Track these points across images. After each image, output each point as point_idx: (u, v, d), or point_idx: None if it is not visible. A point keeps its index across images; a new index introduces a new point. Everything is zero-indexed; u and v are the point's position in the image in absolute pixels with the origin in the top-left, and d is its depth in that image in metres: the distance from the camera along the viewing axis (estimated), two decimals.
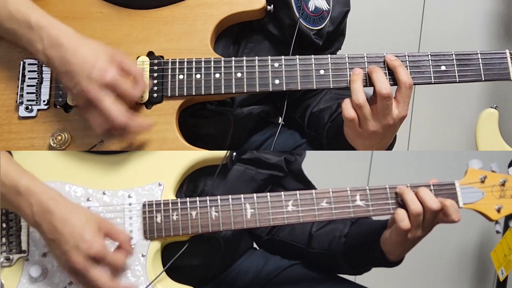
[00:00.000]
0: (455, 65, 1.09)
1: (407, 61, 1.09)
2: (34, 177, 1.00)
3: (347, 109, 1.04)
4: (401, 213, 1.05)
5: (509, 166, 1.15)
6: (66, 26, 1.02)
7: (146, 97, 1.07)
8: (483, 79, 1.10)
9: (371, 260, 1.15)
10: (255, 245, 1.37)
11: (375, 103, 1.04)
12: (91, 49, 1.00)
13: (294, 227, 1.24)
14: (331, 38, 1.25)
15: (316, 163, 1.41)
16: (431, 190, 1.08)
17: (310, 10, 1.19)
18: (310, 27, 1.19)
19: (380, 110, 1.03)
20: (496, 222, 1.10)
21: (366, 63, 1.08)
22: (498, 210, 1.10)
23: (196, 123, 1.17)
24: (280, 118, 1.33)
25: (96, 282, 0.98)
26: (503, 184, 1.10)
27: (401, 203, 1.07)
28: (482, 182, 1.10)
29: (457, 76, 1.09)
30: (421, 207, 1.05)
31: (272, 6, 1.12)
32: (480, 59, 1.10)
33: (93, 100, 0.98)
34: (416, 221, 1.04)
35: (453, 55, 1.10)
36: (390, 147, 1.14)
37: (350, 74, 1.08)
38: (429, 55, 1.09)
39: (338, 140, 1.13)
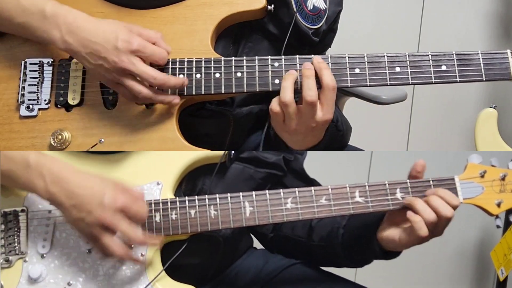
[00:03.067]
0: (455, 65, 1.09)
1: (408, 61, 1.08)
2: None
3: (274, 104, 1.05)
4: (419, 221, 1.03)
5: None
6: (80, 12, 1.03)
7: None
8: (484, 79, 1.09)
9: (369, 251, 1.14)
10: (255, 245, 1.37)
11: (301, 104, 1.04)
12: (110, 25, 1.03)
13: (296, 222, 1.24)
14: (324, 36, 1.25)
15: (316, 163, 1.41)
16: (430, 185, 1.08)
17: (309, 9, 1.19)
18: (309, 26, 1.19)
19: (304, 113, 1.04)
20: (497, 216, 1.10)
21: (366, 62, 1.08)
22: (498, 205, 1.09)
23: (196, 123, 1.17)
24: None
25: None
26: (503, 179, 1.10)
27: (402, 199, 1.07)
28: (482, 176, 1.10)
29: (457, 76, 1.09)
30: (435, 215, 1.03)
31: (272, 6, 1.13)
32: (481, 59, 1.09)
33: (127, 68, 1.01)
34: (432, 228, 1.03)
35: (454, 55, 1.09)
36: (319, 146, 1.13)
37: (350, 74, 1.08)
38: (430, 55, 1.09)
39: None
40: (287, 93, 1.04)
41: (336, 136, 1.19)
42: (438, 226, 1.04)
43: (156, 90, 1.05)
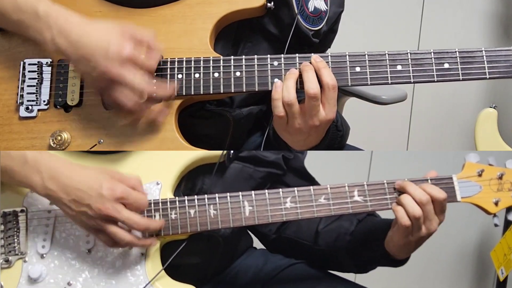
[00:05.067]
0: (458, 62, 1.07)
1: (409, 59, 1.07)
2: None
3: (279, 109, 1.04)
4: (400, 210, 1.05)
5: None
6: (73, 12, 1.02)
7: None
8: (488, 77, 1.07)
9: (375, 258, 1.15)
10: (255, 245, 1.37)
11: (304, 102, 1.04)
12: (101, 29, 1.01)
13: (301, 225, 1.24)
14: (323, 37, 1.25)
15: (316, 163, 1.41)
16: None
17: (310, 10, 1.19)
18: (309, 27, 1.19)
19: (307, 110, 1.03)
20: (494, 215, 1.10)
21: (367, 61, 1.07)
22: (496, 203, 1.09)
23: (196, 124, 1.17)
24: None
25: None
26: (500, 178, 1.10)
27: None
28: (480, 175, 1.10)
29: (460, 74, 1.07)
30: (425, 195, 1.04)
31: (272, 3, 1.12)
32: (484, 56, 1.07)
33: (116, 78, 0.99)
34: (414, 219, 1.04)
35: (457, 52, 1.07)
36: (320, 146, 1.13)
37: (350, 72, 1.07)
38: (432, 53, 1.07)
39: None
40: (290, 92, 1.03)
41: (336, 137, 1.19)
42: (427, 218, 1.04)
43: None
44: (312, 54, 1.07)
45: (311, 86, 1.02)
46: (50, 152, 1.03)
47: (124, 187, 1.01)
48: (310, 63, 1.05)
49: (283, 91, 1.04)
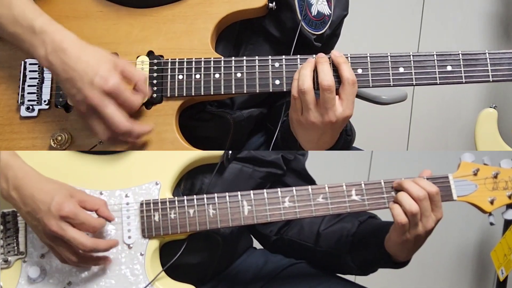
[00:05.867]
0: (461, 65, 1.06)
1: (412, 61, 1.06)
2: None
3: (294, 88, 1.04)
4: (396, 208, 1.05)
5: None
6: (70, 32, 1.02)
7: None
8: (491, 80, 1.06)
9: (377, 260, 1.15)
10: (255, 245, 1.37)
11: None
12: (94, 56, 1.00)
13: (302, 227, 1.24)
14: (326, 40, 1.25)
15: (316, 163, 1.41)
16: None
17: (313, 14, 1.19)
18: (312, 31, 1.19)
19: (322, 103, 1.02)
20: (490, 214, 1.11)
21: (369, 63, 1.06)
22: (491, 202, 1.10)
23: (196, 126, 1.16)
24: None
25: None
26: (495, 177, 1.10)
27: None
28: (475, 174, 1.11)
29: (463, 76, 1.06)
30: (422, 190, 1.04)
31: (274, 3, 1.11)
32: (488, 58, 1.06)
33: (95, 107, 0.99)
34: (411, 216, 1.04)
35: (460, 54, 1.06)
36: (336, 147, 1.13)
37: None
38: (435, 55, 1.06)
39: (290, 134, 1.13)
40: (305, 80, 1.02)
41: (345, 141, 1.19)
42: (423, 215, 1.04)
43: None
44: (314, 55, 1.06)
45: (325, 78, 1.02)
46: (14, 160, 1.02)
47: (74, 207, 0.99)
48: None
49: (299, 79, 1.03)
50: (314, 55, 1.06)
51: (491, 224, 1.11)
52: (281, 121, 1.17)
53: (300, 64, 1.06)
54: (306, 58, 1.06)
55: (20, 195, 0.99)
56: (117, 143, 1.05)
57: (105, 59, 1.01)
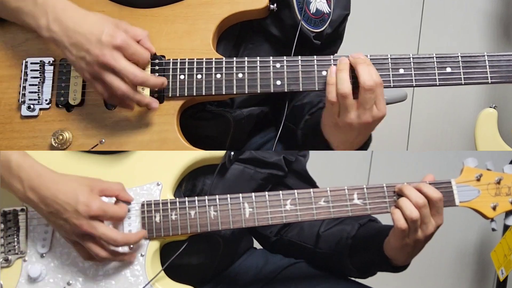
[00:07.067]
0: (461, 67, 1.07)
1: (412, 63, 1.07)
2: (25, 153, 1.02)
3: (331, 93, 1.03)
4: (397, 213, 1.05)
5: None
6: (71, 3, 1.03)
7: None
8: (490, 82, 1.07)
9: (375, 264, 1.15)
10: (255, 245, 1.37)
11: (356, 96, 1.03)
12: (97, 18, 1.02)
13: (303, 228, 1.24)
14: (329, 40, 1.25)
15: (316, 163, 1.41)
16: None
17: (312, 12, 1.19)
18: (311, 29, 1.19)
19: (361, 103, 1.02)
20: (492, 220, 1.11)
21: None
22: (494, 208, 1.10)
23: (196, 125, 1.17)
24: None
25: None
26: (498, 182, 1.10)
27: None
28: (478, 180, 1.11)
29: (462, 78, 1.07)
30: (422, 198, 1.04)
31: (275, 5, 1.12)
32: (487, 60, 1.07)
33: (107, 63, 1.00)
34: (411, 222, 1.04)
35: (459, 56, 1.07)
36: (365, 147, 1.13)
37: (352, 75, 1.05)
38: (434, 57, 1.07)
39: (313, 134, 1.13)
40: (346, 84, 1.02)
41: (366, 144, 1.19)
42: (423, 221, 1.04)
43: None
44: (315, 56, 1.07)
45: (368, 78, 1.02)
46: (24, 160, 1.02)
47: (100, 204, 1.00)
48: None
49: (337, 83, 1.03)
50: (348, 55, 1.06)
51: (493, 230, 1.11)
52: (303, 120, 1.18)
53: (302, 65, 1.07)
54: (307, 59, 1.07)
55: (39, 196, 1.00)
56: (131, 104, 1.05)
57: (107, 20, 1.02)
